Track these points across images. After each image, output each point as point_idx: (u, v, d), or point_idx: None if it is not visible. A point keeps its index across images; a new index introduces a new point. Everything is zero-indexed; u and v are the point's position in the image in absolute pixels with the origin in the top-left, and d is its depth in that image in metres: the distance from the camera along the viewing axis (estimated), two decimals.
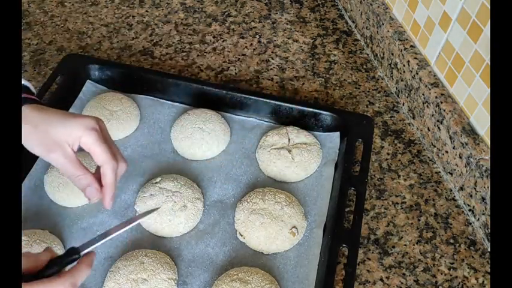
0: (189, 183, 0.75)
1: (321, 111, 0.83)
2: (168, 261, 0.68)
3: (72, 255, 0.52)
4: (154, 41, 1.00)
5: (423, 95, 0.82)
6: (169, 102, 0.87)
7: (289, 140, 0.80)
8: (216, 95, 0.86)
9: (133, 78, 0.88)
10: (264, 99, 0.85)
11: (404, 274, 0.71)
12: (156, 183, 0.75)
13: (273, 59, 0.97)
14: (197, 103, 0.86)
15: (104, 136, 0.57)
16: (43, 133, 0.56)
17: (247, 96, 0.86)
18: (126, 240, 0.71)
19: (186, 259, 0.70)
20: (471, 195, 0.75)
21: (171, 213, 0.72)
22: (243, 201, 0.74)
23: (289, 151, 0.79)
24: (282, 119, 0.85)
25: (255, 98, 0.86)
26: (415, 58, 0.84)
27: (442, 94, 0.79)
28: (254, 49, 0.99)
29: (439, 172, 0.81)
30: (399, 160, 0.83)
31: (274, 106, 0.85)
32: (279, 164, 0.78)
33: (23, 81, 0.62)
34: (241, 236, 0.71)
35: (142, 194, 0.74)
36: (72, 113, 0.59)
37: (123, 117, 0.83)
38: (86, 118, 0.57)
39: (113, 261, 0.68)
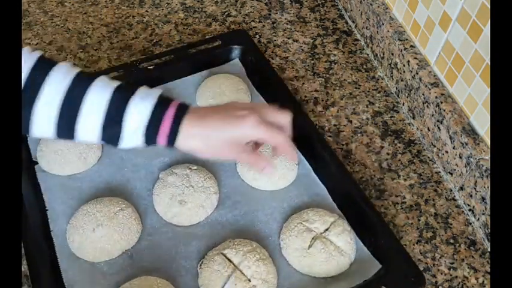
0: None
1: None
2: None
3: None
4: (154, 41, 1.00)
5: (423, 95, 0.82)
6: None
7: (327, 230, 0.71)
8: None
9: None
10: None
11: None
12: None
13: (273, 59, 0.97)
14: None
15: (265, 123, 0.62)
16: (214, 141, 0.62)
17: None
18: None
19: None
20: (471, 195, 0.75)
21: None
22: None
23: (314, 239, 0.70)
24: None
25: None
26: (415, 58, 0.84)
27: (442, 94, 0.79)
28: None
29: (439, 172, 0.81)
30: (399, 160, 0.83)
31: None
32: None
33: (156, 90, 0.63)
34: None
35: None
36: (229, 115, 0.62)
37: None
38: (248, 118, 0.61)
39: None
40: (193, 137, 0.61)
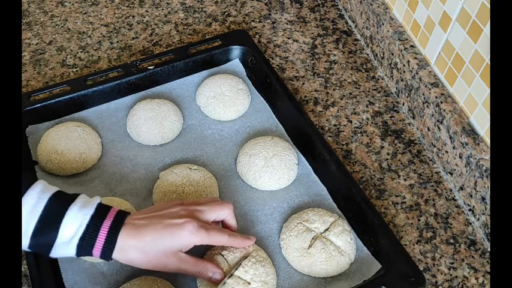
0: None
1: None
2: None
3: None
4: (154, 41, 1.00)
5: (423, 95, 0.82)
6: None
7: (327, 230, 0.71)
8: None
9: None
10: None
11: None
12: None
13: (273, 59, 0.97)
14: None
15: (204, 228, 0.62)
16: (152, 253, 0.60)
17: None
18: None
19: None
20: (471, 195, 0.75)
21: None
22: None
23: (314, 239, 0.70)
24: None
25: None
26: (415, 58, 0.84)
27: (442, 94, 0.79)
28: None
29: (439, 172, 0.82)
30: (399, 160, 0.83)
31: None
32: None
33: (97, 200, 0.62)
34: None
35: None
36: (166, 224, 0.61)
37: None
38: (186, 226, 0.60)
39: None
40: (131, 250, 0.60)
